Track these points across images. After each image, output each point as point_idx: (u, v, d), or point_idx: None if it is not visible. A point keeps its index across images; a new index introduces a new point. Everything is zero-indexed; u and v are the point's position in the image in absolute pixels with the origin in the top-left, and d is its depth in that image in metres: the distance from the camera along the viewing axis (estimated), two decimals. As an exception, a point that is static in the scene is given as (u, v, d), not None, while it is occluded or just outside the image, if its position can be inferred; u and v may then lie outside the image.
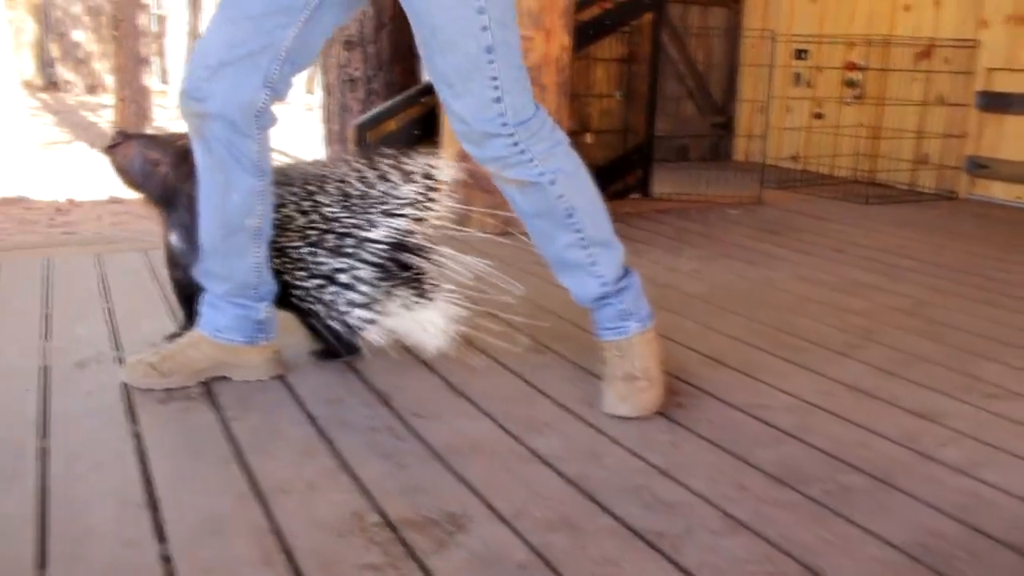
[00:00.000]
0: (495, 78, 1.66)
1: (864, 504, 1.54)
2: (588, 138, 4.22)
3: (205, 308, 1.97)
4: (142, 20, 12.81)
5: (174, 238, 2.06)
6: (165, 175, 2.02)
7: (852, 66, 5.20)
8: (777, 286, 2.95)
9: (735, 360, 2.22)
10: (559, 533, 1.41)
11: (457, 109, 1.72)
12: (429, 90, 3.83)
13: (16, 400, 1.86)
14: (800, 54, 5.42)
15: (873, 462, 1.69)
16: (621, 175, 4.40)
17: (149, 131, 11.58)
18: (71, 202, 8.95)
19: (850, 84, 5.26)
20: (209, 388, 1.94)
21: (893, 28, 5.03)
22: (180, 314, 2.18)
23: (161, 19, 17.47)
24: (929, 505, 1.54)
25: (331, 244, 2.01)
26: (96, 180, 9.41)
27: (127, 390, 1.91)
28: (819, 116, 5.44)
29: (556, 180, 1.78)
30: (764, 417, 1.89)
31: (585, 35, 4.01)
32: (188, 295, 2.10)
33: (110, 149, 2.03)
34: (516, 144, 1.72)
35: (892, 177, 5.05)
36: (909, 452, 1.74)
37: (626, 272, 1.92)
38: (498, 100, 1.68)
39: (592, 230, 1.85)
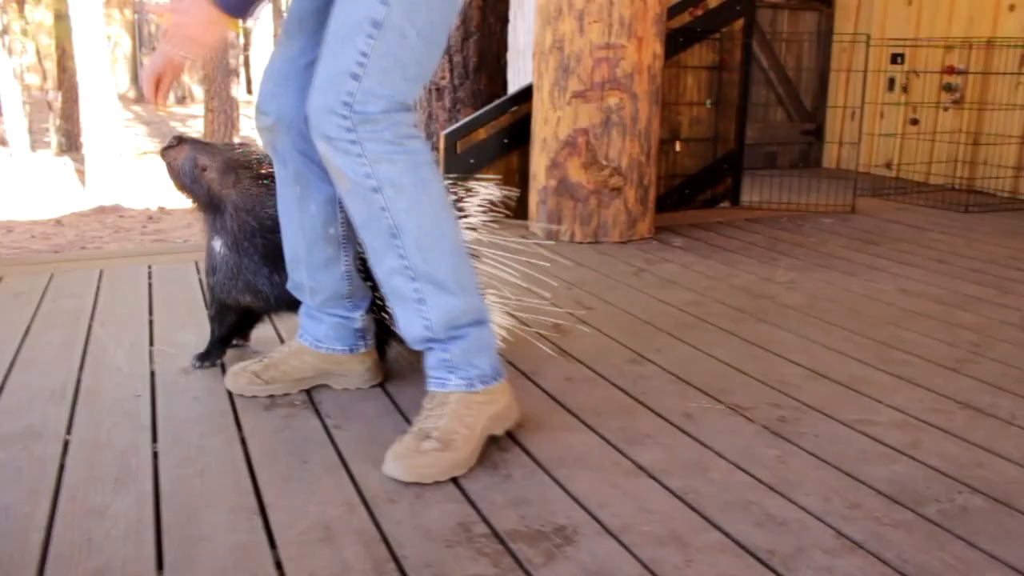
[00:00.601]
0: (364, 54, 1.55)
1: (985, 527, 1.47)
2: (677, 146, 4.17)
3: (303, 318, 2.00)
4: (230, 34, 13.16)
5: (216, 244, 2.08)
6: (211, 181, 2.04)
7: (951, 70, 5.04)
8: (879, 298, 2.86)
9: (838, 374, 2.16)
10: (668, 548, 1.38)
11: (320, 70, 1.61)
12: (518, 99, 3.83)
13: (129, 404, 1.91)
14: (895, 58, 5.28)
15: (992, 483, 1.62)
16: (711, 184, 4.34)
17: (234, 140, 11.89)
18: (162, 210, 9.24)
19: (948, 89, 5.10)
20: (311, 396, 1.96)
21: (996, 30, 4.86)
22: (213, 326, 2.20)
23: (247, 31, 17.92)
24: (1056, 529, 1.47)
25: None
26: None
27: (232, 397, 1.95)
28: (915, 122, 5.29)
29: (381, 189, 1.60)
30: (872, 433, 1.83)
31: (675, 43, 3.97)
32: (221, 304, 2.13)
33: (165, 151, 2.08)
34: (349, 131, 1.57)
35: (993, 185, 4.87)
36: (1031, 473, 1.67)
37: (468, 324, 1.68)
38: (355, 77, 1.55)
39: (421, 262, 1.64)
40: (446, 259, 1.66)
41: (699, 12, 4.08)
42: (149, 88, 1.85)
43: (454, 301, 1.66)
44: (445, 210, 1.68)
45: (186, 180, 2.05)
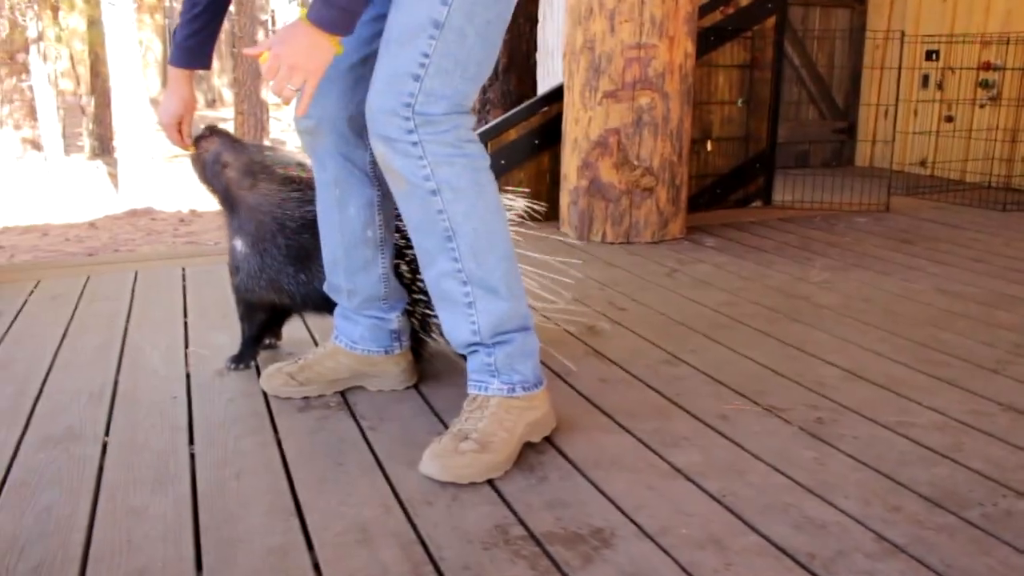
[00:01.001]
0: (426, 55, 1.55)
1: (1031, 530, 1.45)
2: (709, 146, 4.15)
3: (338, 320, 2.00)
4: (260, 36, 13.25)
5: (237, 243, 2.08)
6: (230, 180, 2.04)
7: (987, 66, 4.97)
8: (916, 298, 2.82)
9: (876, 375, 2.14)
10: (707, 551, 1.37)
11: (379, 72, 1.61)
12: (549, 99, 3.83)
13: (165, 406, 1.92)
14: (930, 55, 5.21)
15: (1037, 486, 1.59)
16: (743, 183, 4.31)
17: (265, 142, 11.97)
18: (193, 212, 9.32)
19: (984, 85, 5.03)
20: (345, 398, 1.97)
21: (1033, 25, 4.79)
22: (243, 325, 2.19)
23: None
24: (1104, 534, 1.44)
25: None
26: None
27: (267, 398, 1.96)
28: (949, 119, 5.22)
29: (440, 191, 1.60)
30: (912, 435, 1.81)
31: (706, 41, 3.94)
32: (246, 303, 2.13)
33: (196, 140, 2.06)
34: (411, 132, 1.57)
35: (1030, 182, 4.80)
36: (1077, 476, 1.64)
37: (515, 330, 1.69)
38: (416, 78, 1.55)
39: (474, 266, 1.64)
40: (499, 264, 1.66)
41: (730, 10, 4.05)
42: (172, 135, 1.94)
43: (503, 306, 1.67)
44: (500, 215, 1.68)
45: (207, 173, 2.06)
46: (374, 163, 1.86)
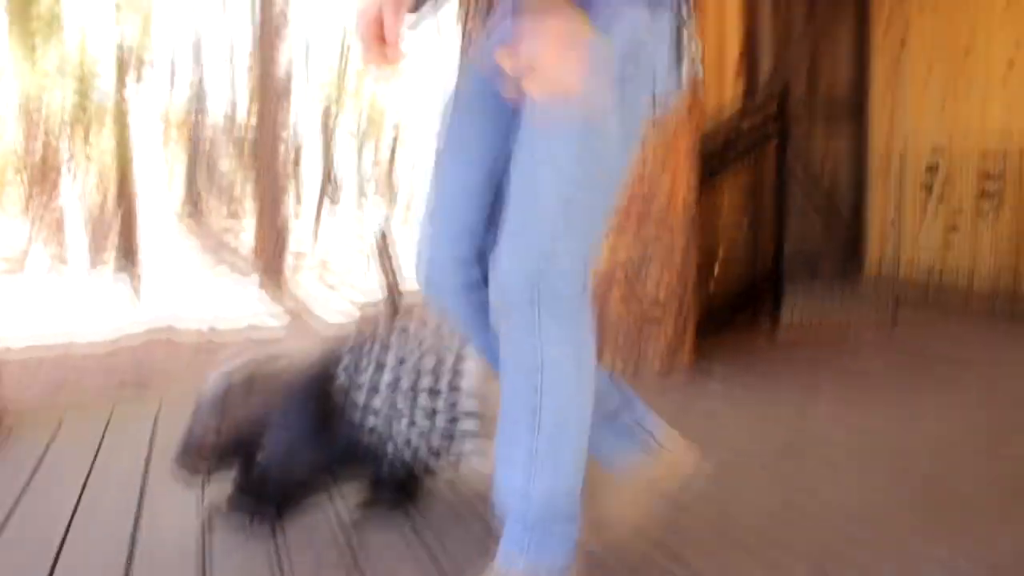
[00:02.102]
0: (555, 235, 1.49)
1: None
2: (715, 269, 4.21)
3: None
4: (281, 149, 13.55)
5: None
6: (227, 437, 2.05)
7: (987, 176, 5.05)
8: (925, 433, 2.83)
9: (880, 520, 2.14)
10: None
11: (507, 235, 1.52)
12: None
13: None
14: (932, 169, 5.30)
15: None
16: (750, 304, 4.36)
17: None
18: (212, 331, 9.39)
19: (987, 194, 5.10)
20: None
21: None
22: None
23: (297, 148, 18.45)
24: None
25: (426, 386, 2.02)
26: (236, 306, 9.86)
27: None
28: (955, 228, 5.28)
29: (543, 369, 1.52)
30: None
31: (710, 167, 4.03)
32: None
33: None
34: (532, 305, 1.50)
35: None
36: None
37: (560, 517, 1.60)
38: (545, 257, 1.49)
39: (547, 446, 1.55)
40: (570, 445, 1.59)
41: (731, 136, 4.16)
42: (367, 30, 1.55)
43: (559, 487, 1.59)
44: (587, 398, 1.61)
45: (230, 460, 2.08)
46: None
